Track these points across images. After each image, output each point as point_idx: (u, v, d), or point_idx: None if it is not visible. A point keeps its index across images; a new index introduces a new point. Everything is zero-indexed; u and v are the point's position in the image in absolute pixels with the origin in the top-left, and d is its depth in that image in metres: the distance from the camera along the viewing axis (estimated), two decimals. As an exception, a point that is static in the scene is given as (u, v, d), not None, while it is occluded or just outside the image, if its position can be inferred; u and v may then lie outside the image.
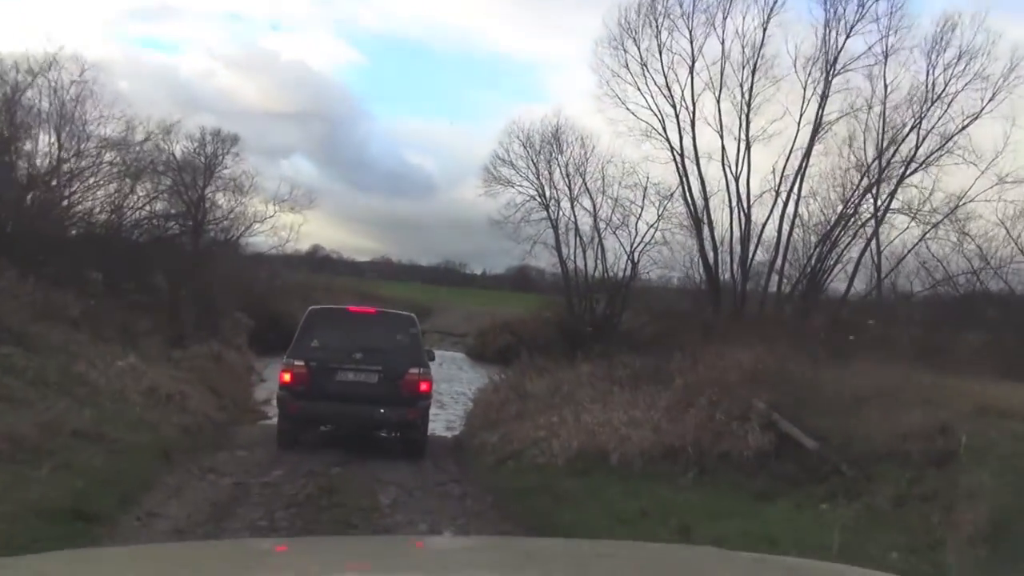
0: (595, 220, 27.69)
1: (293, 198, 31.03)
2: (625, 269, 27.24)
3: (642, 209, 26.63)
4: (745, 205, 25.51)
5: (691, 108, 25.94)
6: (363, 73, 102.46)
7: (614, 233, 26.94)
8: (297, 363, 11.26)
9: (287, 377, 11.33)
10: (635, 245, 26.74)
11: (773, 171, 24.97)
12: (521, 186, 28.44)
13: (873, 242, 23.14)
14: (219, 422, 13.11)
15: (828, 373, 12.07)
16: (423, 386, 11.51)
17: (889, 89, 24.52)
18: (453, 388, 22.32)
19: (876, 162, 25.13)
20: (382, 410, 11.08)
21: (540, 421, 11.44)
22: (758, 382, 11.47)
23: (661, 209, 26.23)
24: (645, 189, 26.29)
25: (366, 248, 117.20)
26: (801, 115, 24.46)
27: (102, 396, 11.13)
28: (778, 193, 25.04)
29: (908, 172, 24.85)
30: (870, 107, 24.49)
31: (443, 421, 16.55)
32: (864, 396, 10.27)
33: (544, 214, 28.18)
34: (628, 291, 27.66)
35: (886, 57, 24.00)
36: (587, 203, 27.88)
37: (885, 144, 24.88)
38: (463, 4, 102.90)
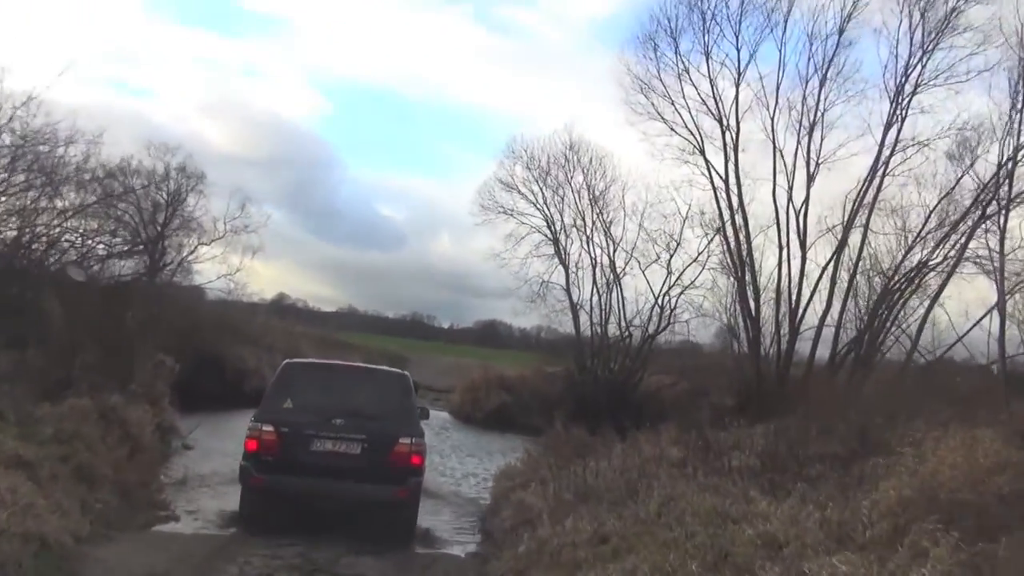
0: (612, 258, 22.23)
1: (245, 216, 25.82)
2: (651, 317, 21.61)
3: (678, 244, 21.16)
4: (801, 240, 20.19)
5: (736, 127, 20.84)
6: (334, 123, 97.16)
7: (642, 272, 21.42)
8: (266, 428, 9.22)
9: (252, 445, 9.21)
10: (667, 287, 21.15)
11: (846, 200, 19.74)
12: (525, 215, 23.00)
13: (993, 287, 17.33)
14: (61, 543, 6.97)
15: None
16: (415, 459, 9.28)
17: (967, 116, 19.73)
18: (462, 466, 15.95)
19: (944, 200, 20.21)
20: (365, 487, 9.05)
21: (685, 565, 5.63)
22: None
23: (704, 245, 20.74)
24: (686, 219, 20.86)
25: (331, 298, 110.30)
26: (884, 135, 19.43)
27: None
28: (846, 228, 19.77)
29: (986, 214, 19.87)
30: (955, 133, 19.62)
31: (446, 520, 10.59)
32: None
33: (552, 250, 22.69)
34: (652, 345, 22.03)
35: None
36: (603, 241, 22.52)
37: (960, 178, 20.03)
38: (439, 56, 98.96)
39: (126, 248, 21.35)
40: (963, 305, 18.70)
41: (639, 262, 21.42)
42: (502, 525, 8.79)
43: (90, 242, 19.67)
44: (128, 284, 19.25)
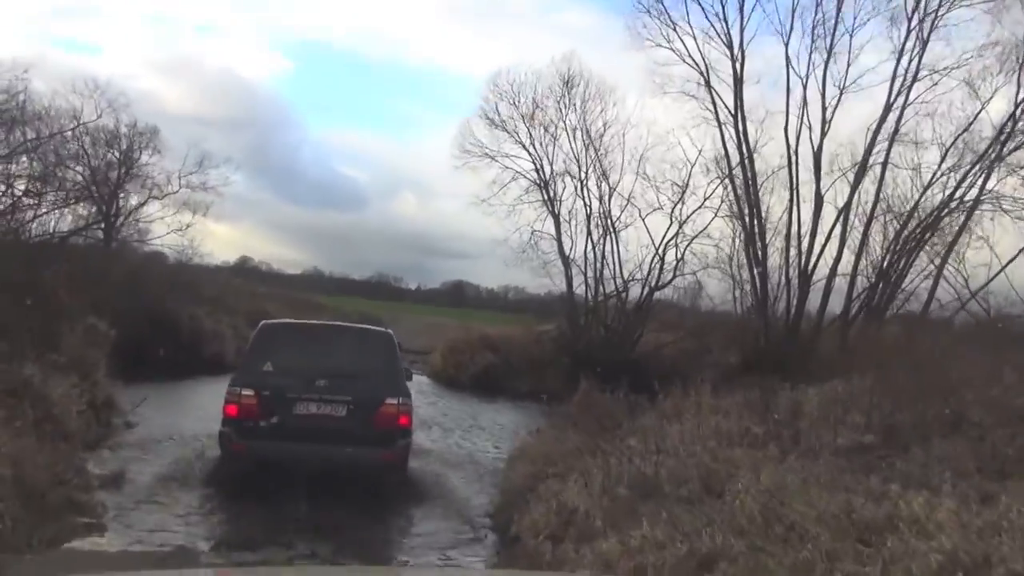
0: (608, 205, 19.94)
1: (203, 172, 23.49)
2: (651, 270, 19.42)
3: (684, 189, 18.92)
4: (816, 176, 18.10)
5: (742, 56, 18.62)
6: (295, 82, 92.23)
7: (642, 220, 19.19)
8: (245, 392, 8.66)
9: (232, 410, 8.63)
10: (672, 236, 18.95)
11: (867, 131, 17.67)
12: (510, 157, 20.55)
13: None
14: None
15: None
16: (403, 420, 8.79)
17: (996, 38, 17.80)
18: (461, 441, 13.20)
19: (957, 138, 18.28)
20: (350, 450, 8.46)
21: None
22: None
23: (711, 189, 18.56)
24: (694, 163, 18.61)
25: (296, 260, 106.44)
26: (898, 64, 17.34)
27: None
28: (863, 162, 17.70)
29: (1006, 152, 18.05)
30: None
31: (449, 519, 8.34)
32: None
33: (540, 196, 20.32)
34: (651, 301, 19.89)
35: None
36: (599, 187, 20.17)
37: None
38: (402, 14, 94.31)
39: (60, 200, 18.51)
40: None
41: (639, 210, 19.16)
42: (534, 528, 6.53)
43: (13, 191, 16.84)
44: (62, 239, 16.47)
